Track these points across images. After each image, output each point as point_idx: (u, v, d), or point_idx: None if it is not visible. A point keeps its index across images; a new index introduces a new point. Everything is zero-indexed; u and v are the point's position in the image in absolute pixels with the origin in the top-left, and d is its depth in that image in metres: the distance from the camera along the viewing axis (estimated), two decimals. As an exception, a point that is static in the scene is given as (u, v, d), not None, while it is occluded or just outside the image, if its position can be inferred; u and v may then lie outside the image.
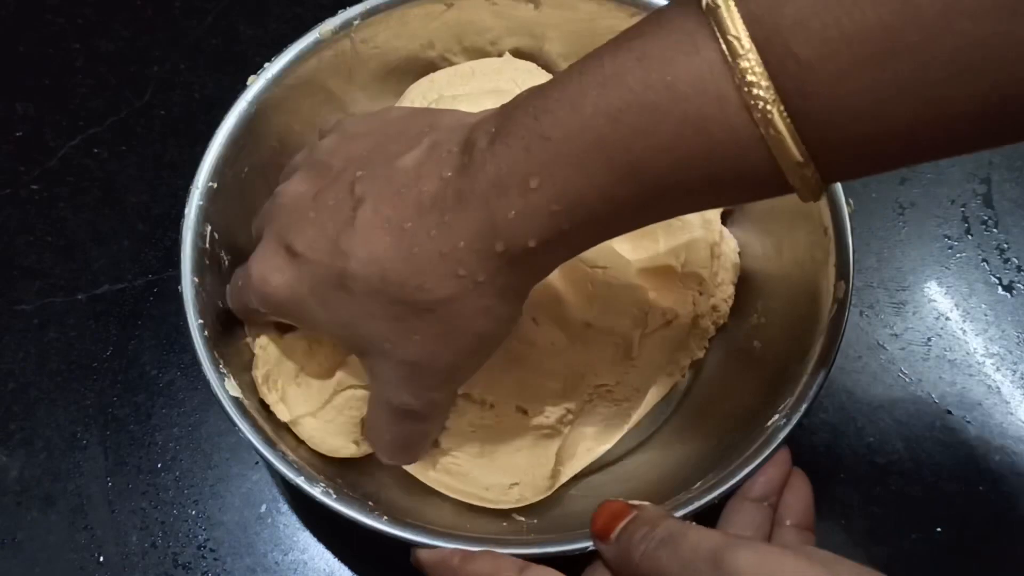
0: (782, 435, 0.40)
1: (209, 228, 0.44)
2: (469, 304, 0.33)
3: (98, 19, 0.64)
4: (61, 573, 0.48)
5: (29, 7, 0.64)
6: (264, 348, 0.44)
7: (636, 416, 0.48)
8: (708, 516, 0.39)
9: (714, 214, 0.49)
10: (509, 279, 0.33)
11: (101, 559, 0.48)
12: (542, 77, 0.51)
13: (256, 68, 0.48)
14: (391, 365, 0.36)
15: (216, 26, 0.64)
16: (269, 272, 0.37)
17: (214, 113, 0.47)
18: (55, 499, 0.49)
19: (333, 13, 0.49)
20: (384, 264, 0.33)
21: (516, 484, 0.44)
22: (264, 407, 0.43)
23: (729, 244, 0.50)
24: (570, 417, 0.46)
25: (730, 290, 0.49)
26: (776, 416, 0.41)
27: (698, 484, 0.40)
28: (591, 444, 0.47)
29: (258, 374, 0.43)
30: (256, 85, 0.47)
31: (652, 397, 0.49)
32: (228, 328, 0.44)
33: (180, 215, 0.44)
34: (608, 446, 0.48)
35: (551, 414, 0.45)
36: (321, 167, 0.38)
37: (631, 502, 0.35)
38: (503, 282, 0.33)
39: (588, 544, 0.37)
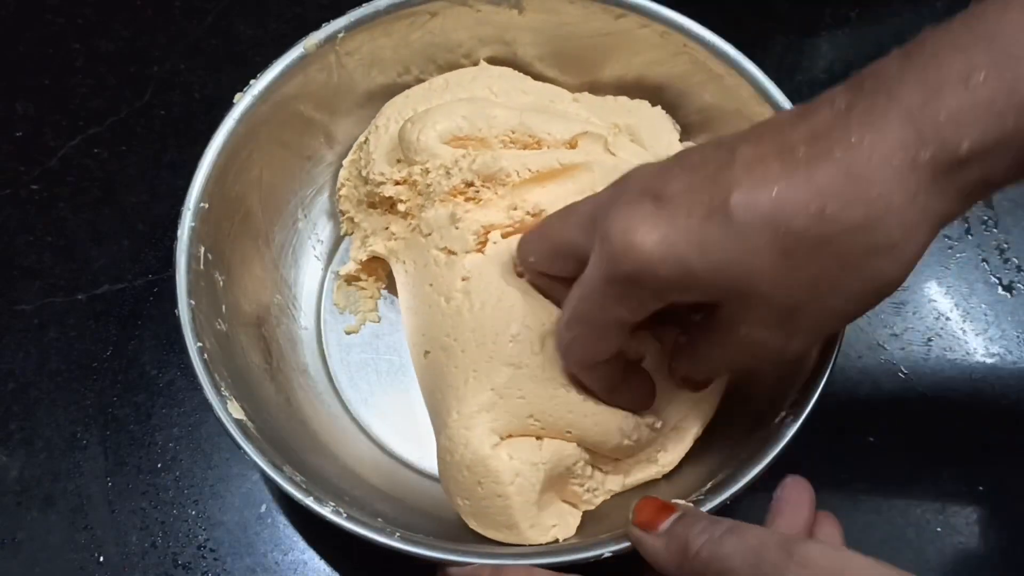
0: (790, 432, 0.40)
1: (203, 249, 0.45)
2: (877, 235, 0.29)
3: (98, 19, 0.64)
4: (61, 573, 0.48)
5: (29, 7, 0.64)
6: None
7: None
8: (736, 502, 0.39)
9: None
10: (928, 201, 0.29)
11: (101, 559, 0.48)
12: (518, 80, 0.51)
13: (256, 68, 0.48)
14: (763, 309, 0.32)
15: (216, 26, 0.64)
16: (635, 224, 0.31)
17: (214, 113, 0.47)
18: (55, 499, 0.49)
19: (333, 13, 0.49)
20: (776, 189, 0.29)
21: (555, 525, 0.42)
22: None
23: None
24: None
25: None
26: (783, 413, 0.41)
27: (709, 484, 0.40)
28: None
29: None
30: (242, 103, 0.47)
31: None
32: (227, 348, 0.45)
33: (180, 215, 0.44)
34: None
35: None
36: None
37: (674, 501, 0.35)
38: (921, 205, 0.29)
39: (608, 550, 0.37)
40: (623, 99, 0.51)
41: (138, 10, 0.65)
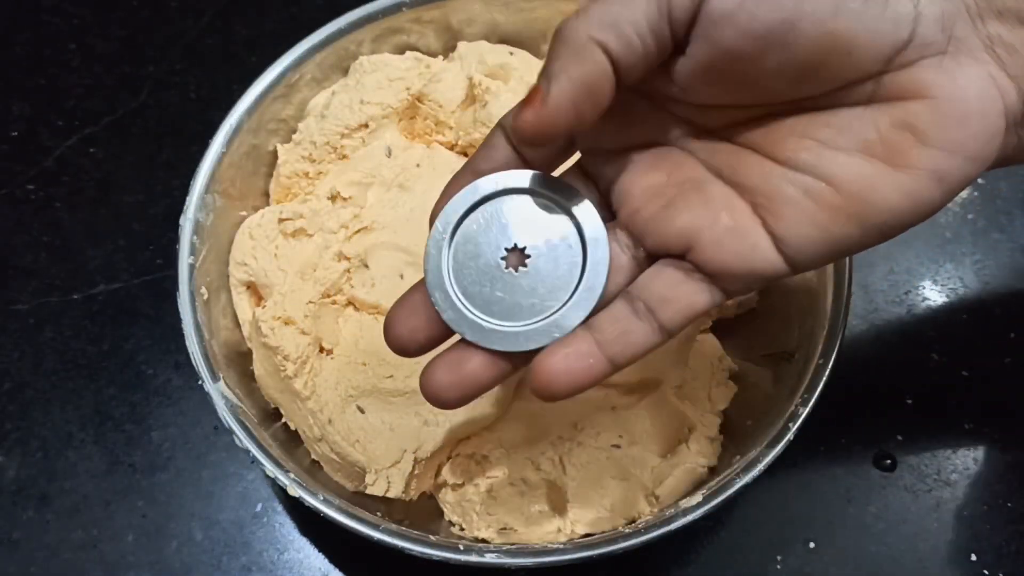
0: (795, 426, 0.40)
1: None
2: None
3: (94, 19, 0.64)
4: (57, 572, 0.48)
5: (25, 7, 0.65)
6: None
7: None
8: (735, 502, 0.39)
9: None
10: None
11: (97, 558, 0.48)
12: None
13: (253, 68, 0.48)
14: None
15: (212, 26, 0.64)
16: None
17: (210, 113, 0.47)
18: (51, 498, 0.49)
19: (329, 14, 0.49)
20: None
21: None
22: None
23: None
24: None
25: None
26: (784, 408, 0.41)
27: (724, 472, 0.41)
28: None
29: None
30: (231, 119, 0.47)
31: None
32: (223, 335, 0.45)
33: (176, 214, 0.45)
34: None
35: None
36: None
37: None
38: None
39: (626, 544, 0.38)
40: None
41: (134, 10, 0.65)
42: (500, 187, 0.30)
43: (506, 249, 0.30)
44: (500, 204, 0.31)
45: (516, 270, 0.30)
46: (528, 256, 0.30)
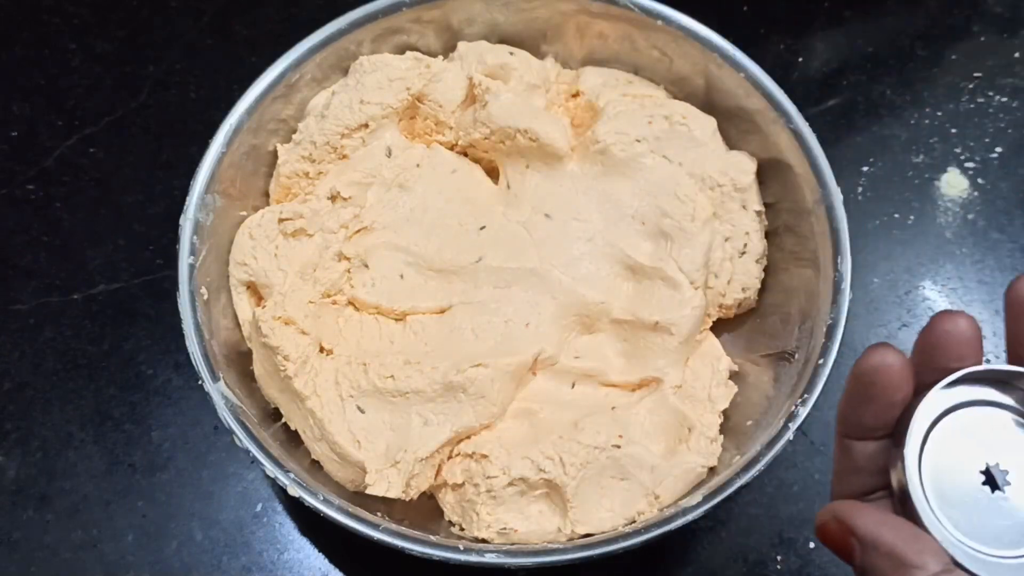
0: (795, 426, 0.41)
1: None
2: None
3: (94, 19, 0.64)
4: (57, 572, 0.48)
5: (25, 7, 0.64)
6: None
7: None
8: (735, 502, 0.39)
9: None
10: None
11: (97, 558, 0.48)
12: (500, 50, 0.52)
13: (253, 68, 0.48)
14: None
15: (212, 26, 0.64)
16: None
17: (210, 113, 0.47)
18: (51, 498, 0.49)
19: (329, 13, 0.49)
20: None
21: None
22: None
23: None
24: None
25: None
26: (784, 408, 0.41)
27: (724, 472, 0.41)
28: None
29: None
30: (231, 119, 0.47)
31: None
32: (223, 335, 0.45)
33: (176, 214, 0.45)
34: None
35: None
36: None
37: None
38: None
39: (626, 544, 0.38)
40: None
41: (134, 10, 0.65)
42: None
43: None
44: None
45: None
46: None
